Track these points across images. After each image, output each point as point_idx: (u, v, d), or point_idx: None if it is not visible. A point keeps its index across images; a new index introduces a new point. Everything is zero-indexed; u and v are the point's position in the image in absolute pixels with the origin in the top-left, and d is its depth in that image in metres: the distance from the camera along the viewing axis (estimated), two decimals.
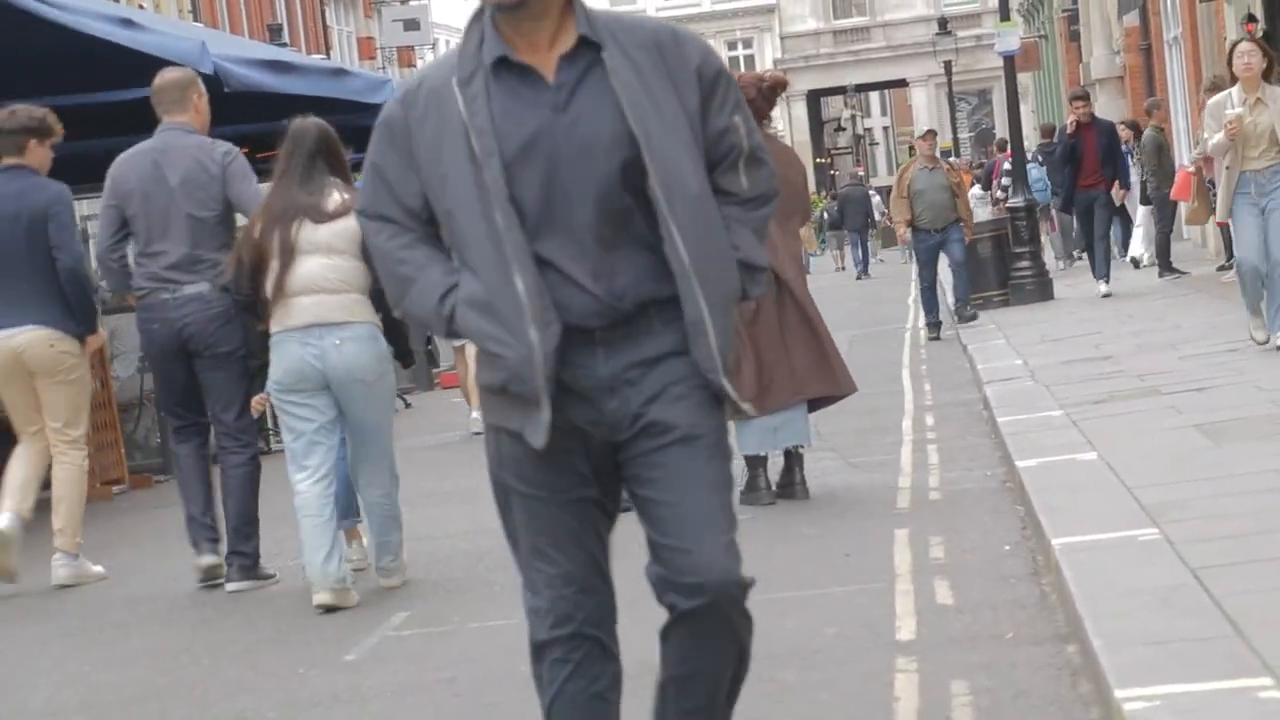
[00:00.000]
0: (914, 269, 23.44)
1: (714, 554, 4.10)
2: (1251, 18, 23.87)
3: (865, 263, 42.98)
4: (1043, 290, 21.92)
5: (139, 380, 14.90)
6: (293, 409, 8.37)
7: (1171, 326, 16.09)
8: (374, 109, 16.53)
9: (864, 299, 31.97)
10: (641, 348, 4.09)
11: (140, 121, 16.21)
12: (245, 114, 16.18)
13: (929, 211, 20.02)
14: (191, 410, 9.28)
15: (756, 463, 9.99)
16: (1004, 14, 25.45)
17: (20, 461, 9.64)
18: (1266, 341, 12.77)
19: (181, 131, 9.16)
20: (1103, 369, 13.39)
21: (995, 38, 26.45)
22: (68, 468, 9.65)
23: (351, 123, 17.73)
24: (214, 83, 13.00)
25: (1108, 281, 21.30)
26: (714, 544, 4.11)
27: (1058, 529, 7.45)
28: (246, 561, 9.12)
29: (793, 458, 10.07)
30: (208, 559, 9.18)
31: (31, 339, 9.56)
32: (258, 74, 13.77)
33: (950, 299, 21.60)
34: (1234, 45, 13.55)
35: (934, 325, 20.58)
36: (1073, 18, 43.20)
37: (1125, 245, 28.11)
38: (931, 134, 21.55)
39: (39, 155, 9.75)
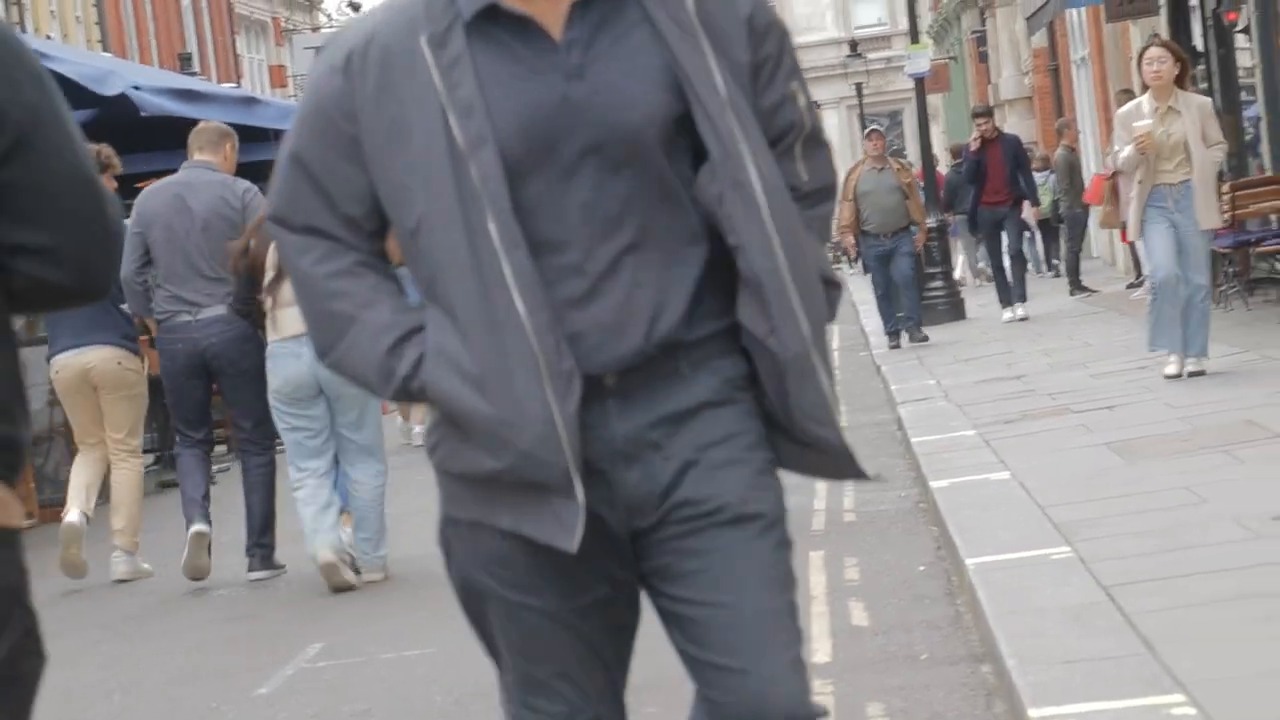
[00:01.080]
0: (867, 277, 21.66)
1: (779, 676, 2.95)
2: (1156, 36, 24.12)
3: None
4: (955, 310, 22.03)
5: (48, 414, 14.76)
6: (291, 419, 8.99)
7: (1082, 344, 16.21)
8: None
9: None
10: (667, 398, 2.99)
11: None
12: (157, 142, 16.10)
13: (877, 215, 18.83)
14: (203, 424, 10.11)
15: None
16: (914, 36, 25.61)
17: (82, 467, 10.44)
18: (1179, 375, 12.01)
19: (206, 169, 9.92)
20: (1015, 388, 13.47)
21: (905, 60, 26.62)
22: (127, 473, 10.42)
23: (261, 153, 17.75)
24: (126, 109, 12.94)
25: (1024, 302, 20.57)
26: (778, 662, 2.96)
27: (971, 549, 7.47)
28: (266, 552, 9.90)
29: None
30: (200, 526, 9.90)
31: (100, 357, 10.28)
32: (170, 102, 13.70)
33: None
34: (1142, 50, 12.75)
35: (894, 334, 19.34)
36: (981, 39, 43.56)
37: (1047, 261, 28.23)
38: (877, 133, 20.02)
39: None
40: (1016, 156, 21.14)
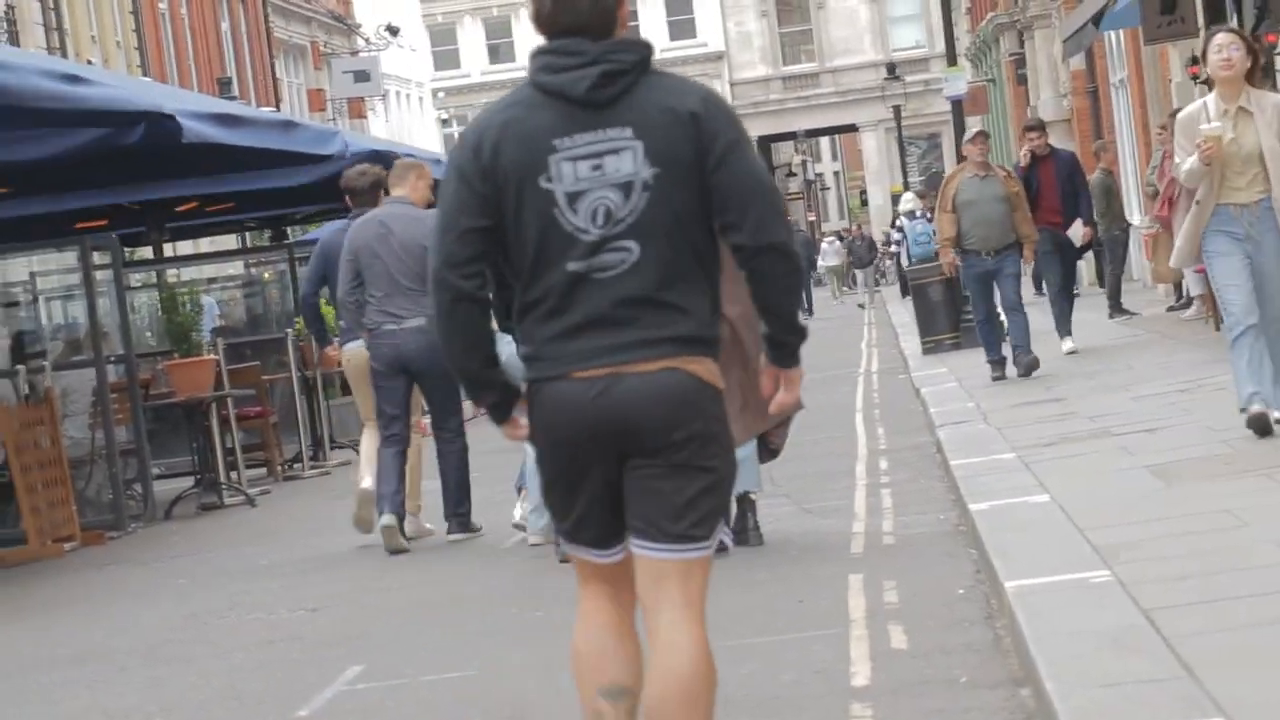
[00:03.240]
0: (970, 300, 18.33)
1: None
2: (1195, 60, 24.06)
3: (809, 305, 43.37)
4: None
5: (90, 438, 14.84)
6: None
7: (1123, 367, 16.15)
8: (323, 160, 16.54)
9: (815, 342, 32.01)
10: None
11: (94, 175, 16.24)
12: (197, 167, 16.18)
13: (980, 229, 16.51)
14: (400, 420, 11.54)
15: (746, 504, 9.95)
16: (951, 59, 25.63)
17: (369, 440, 12.00)
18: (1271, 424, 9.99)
19: (401, 203, 11.60)
20: (1054, 411, 13.43)
21: (943, 82, 26.61)
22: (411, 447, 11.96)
23: (301, 175, 17.82)
24: (167, 134, 13.00)
25: (1071, 337, 18.26)
26: None
27: (1010, 572, 7.45)
28: (464, 519, 11.59)
29: (745, 503, 10.05)
30: (387, 519, 11.35)
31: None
32: (210, 128, 13.76)
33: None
34: (1208, 38, 10.64)
35: (997, 363, 16.81)
36: (1020, 62, 43.49)
37: (1101, 279, 27.65)
38: (982, 135, 17.45)
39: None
40: (1072, 176, 18.60)
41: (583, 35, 4.56)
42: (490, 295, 4.64)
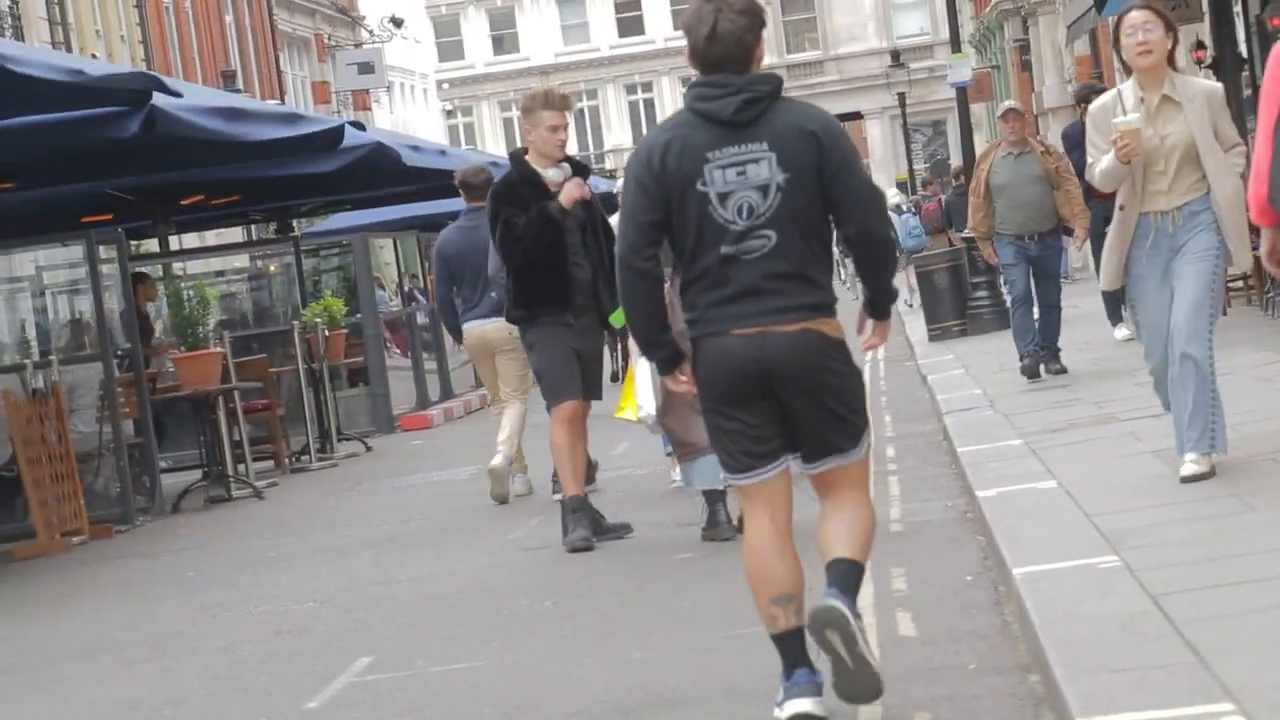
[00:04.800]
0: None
1: None
2: (1200, 45, 24.06)
3: None
4: (1000, 319, 21.95)
5: (98, 431, 14.85)
6: None
7: (1129, 353, 16.13)
8: (329, 153, 16.54)
9: None
10: None
11: (101, 168, 16.22)
12: (195, 158, 16.17)
13: (1017, 213, 14.90)
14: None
15: (715, 497, 9.97)
16: (955, 45, 25.59)
17: (505, 418, 13.00)
18: (1198, 476, 8.52)
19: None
20: (1061, 397, 13.42)
21: (948, 69, 26.57)
22: (513, 411, 13.02)
23: (305, 167, 17.82)
24: (168, 127, 12.99)
25: (1125, 322, 16.47)
26: None
27: (1018, 558, 7.45)
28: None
29: None
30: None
31: (495, 327, 12.92)
32: (211, 121, 13.75)
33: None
34: (1121, 15, 8.85)
35: (1029, 356, 14.93)
36: (1024, 47, 43.48)
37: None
38: (1015, 112, 15.57)
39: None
40: None
41: (728, 67, 5.87)
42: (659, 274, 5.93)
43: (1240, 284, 18.26)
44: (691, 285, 5.91)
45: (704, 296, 5.88)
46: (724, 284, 5.85)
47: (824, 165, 5.80)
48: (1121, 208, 8.68)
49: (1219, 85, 9.18)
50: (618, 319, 10.26)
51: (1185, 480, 8.46)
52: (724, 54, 5.88)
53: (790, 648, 5.92)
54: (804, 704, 5.81)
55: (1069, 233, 15.16)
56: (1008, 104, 16.02)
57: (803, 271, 5.86)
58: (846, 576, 5.97)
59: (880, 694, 5.80)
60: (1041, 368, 14.97)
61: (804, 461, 6.06)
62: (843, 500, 6.12)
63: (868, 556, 6.13)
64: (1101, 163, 8.65)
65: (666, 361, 5.98)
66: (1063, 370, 15.02)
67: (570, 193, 10.46)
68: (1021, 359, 15.02)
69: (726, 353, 5.85)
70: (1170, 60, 8.68)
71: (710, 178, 5.81)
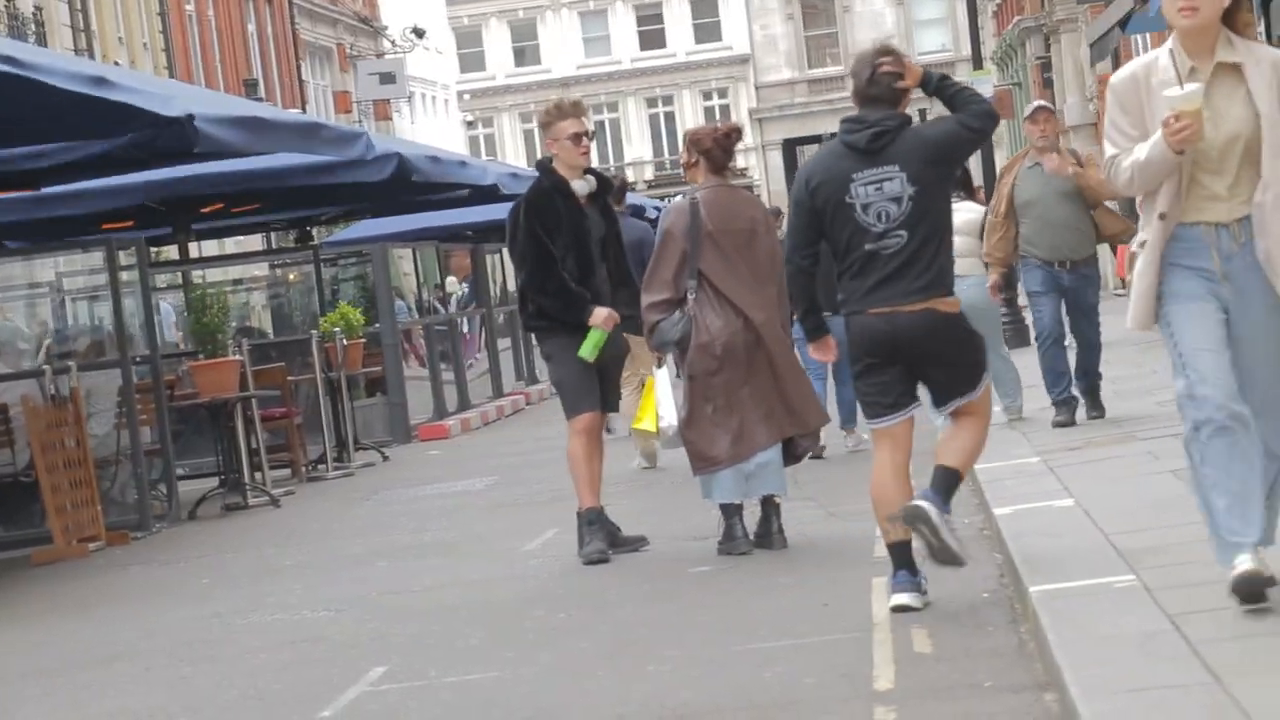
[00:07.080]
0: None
1: None
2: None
3: None
4: (1019, 336, 21.93)
5: (115, 437, 14.87)
6: None
7: (1148, 372, 16.10)
8: (349, 162, 16.57)
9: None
10: None
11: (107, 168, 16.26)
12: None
13: (1046, 235, 12.66)
14: None
15: (732, 511, 9.96)
16: (977, 63, 25.60)
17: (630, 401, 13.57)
18: (1261, 580, 6.19)
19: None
20: (1079, 415, 13.37)
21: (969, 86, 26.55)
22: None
23: (325, 177, 17.85)
24: (186, 136, 13.02)
25: None
26: None
27: (1035, 576, 7.44)
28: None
29: (769, 506, 10.04)
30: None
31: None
32: (229, 133, 13.74)
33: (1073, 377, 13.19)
34: None
35: (1064, 405, 12.84)
36: (1046, 65, 43.44)
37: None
38: (1045, 111, 13.37)
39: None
40: None
41: (879, 104, 7.76)
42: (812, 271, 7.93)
43: None
44: (844, 274, 7.78)
45: (852, 284, 7.75)
46: (867, 274, 7.70)
47: (940, 150, 7.75)
48: (1162, 216, 6.31)
49: None
50: (586, 351, 10.20)
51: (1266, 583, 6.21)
52: (878, 95, 7.78)
53: (899, 553, 7.75)
54: (904, 598, 7.72)
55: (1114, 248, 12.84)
56: (1037, 103, 13.91)
57: (927, 262, 7.63)
58: (943, 480, 7.66)
59: (963, 565, 7.58)
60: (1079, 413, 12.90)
61: (934, 406, 7.97)
62: (963, 424, 7.87)
63: (969, 467, 7.99)
64: (1138, 153, 6.29)
65: (814, 330, 8.09)
66: (1101, 415, 12.86)
67: (601, 321, 10.35)
68: (1055, 408, 12.89)
69: (865, 327, 7.68)
70: (1231, 21, 6.29)
71: (855, 193, 7.70)
